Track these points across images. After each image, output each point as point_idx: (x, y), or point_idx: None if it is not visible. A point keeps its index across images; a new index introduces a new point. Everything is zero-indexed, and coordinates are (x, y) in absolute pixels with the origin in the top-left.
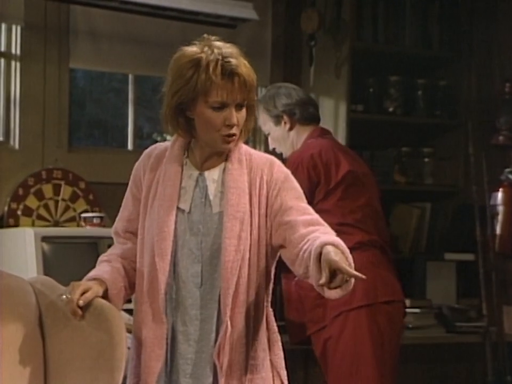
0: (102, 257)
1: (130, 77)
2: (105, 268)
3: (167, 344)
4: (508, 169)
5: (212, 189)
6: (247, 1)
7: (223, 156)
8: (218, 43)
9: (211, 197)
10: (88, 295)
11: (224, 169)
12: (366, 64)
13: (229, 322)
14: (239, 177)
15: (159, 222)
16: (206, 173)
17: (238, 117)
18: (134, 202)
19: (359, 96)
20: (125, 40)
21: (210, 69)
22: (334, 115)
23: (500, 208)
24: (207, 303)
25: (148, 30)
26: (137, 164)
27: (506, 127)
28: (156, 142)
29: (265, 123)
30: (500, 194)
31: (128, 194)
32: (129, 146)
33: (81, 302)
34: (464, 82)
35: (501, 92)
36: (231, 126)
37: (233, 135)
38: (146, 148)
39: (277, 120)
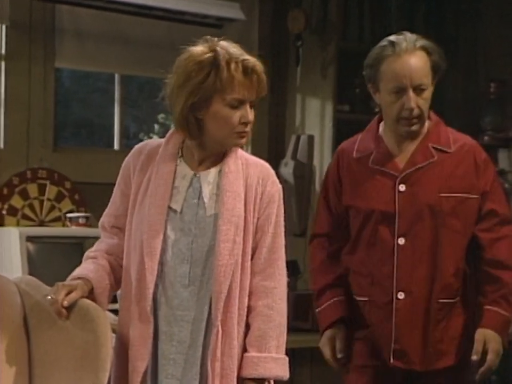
0: (88, 253)
1: (116, 76)
2: (91, 266)
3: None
4: None
5: (207, 190)
6: (233, 1)
7: (220, 158)
8: (224, 43)
9: (205, 199)
10: (73, 296)
11: (220, 172)
12: (353, 64)
13: (220, 327)
14: (235, 181)
15: (149, 220)
16: (201, 174)
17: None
18: (122, 198)
19: (345, 96)
20: (111, 39)
21: (232, 66)
22: (320, 115)
23: None
24: (194, 305)
25: (134, 30)
26: (126, 159)
27: (491, 127)
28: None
29: (428, 75)
30: None
31: (116, 189)
32: (116, 146)
33: (65, 303)
34: (449, 82)
35: (486, 92)
36: (246, 124)
37: (247, 132)
38: (132, 148)
39: (435, 77)
